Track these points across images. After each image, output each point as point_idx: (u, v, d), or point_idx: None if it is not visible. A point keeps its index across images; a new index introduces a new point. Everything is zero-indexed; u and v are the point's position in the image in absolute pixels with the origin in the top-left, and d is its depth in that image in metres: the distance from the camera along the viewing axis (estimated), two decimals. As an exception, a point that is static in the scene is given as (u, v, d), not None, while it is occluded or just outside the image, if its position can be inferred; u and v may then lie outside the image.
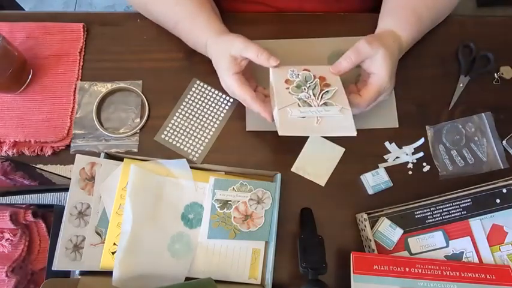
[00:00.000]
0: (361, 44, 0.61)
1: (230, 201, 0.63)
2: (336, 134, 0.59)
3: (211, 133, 0.72)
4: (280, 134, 0.57)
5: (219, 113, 0.73)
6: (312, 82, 0.61)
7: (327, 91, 0.60)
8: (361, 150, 0.71)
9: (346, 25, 0.76)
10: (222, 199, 0.63)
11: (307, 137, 0.70)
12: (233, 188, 0.64)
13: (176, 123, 0.72)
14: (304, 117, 0.58)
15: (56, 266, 0.59)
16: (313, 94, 0.60)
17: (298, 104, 0.59)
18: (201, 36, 0.67)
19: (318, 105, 0.59)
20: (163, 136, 0.71)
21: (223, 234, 0.62)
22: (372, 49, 0.60)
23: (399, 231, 0.63)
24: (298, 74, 0.62)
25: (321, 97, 0.60)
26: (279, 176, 0.65)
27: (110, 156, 0.65)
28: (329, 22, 0.77)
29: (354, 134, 0.57)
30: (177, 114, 0.72)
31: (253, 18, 0.77)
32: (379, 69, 0.61)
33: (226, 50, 0.62)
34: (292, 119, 0.58)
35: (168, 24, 0.71)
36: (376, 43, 0.60)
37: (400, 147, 0.71)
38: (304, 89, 0.61)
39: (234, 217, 0.63)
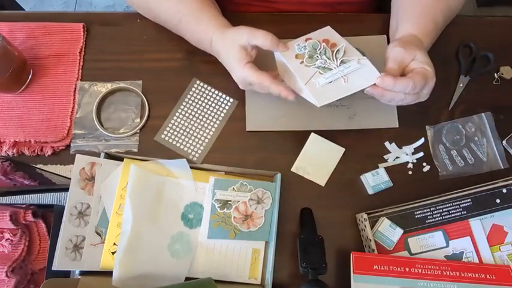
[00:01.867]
0: (397, 51, 0.59)
1: (230, 201, 0.63)
2: (367, 86, 0.59)
3: (211, 133, 0.72)
4: (319, 105, 0.58)
5: (219, 113, 0.73)
6: (320, 48, 0.63)
7: (338, 50, 0.62)
8: (361, 150, 0.71)
9: (346, 25, 0.76)
10: (222, 199, 0.63)
11: (307, 137, 0.70)
12: (233, 188, 0.64)
13: (176, 123, 0.72)
14: (331, 81, 0.60)
15: (56, 266, 0.59)
16: (328, 58, 0.62)
17: (320, 72, 0.61)
18: (206, 32, 0.66)
19: (338, 66, 0.61)
20: (163, 136, 0.71)
21: (224, 234, 0.62)
22: (410, 54, 0.59)
23: (399, 231, 0.63)
24: (305, 46, 0.63)
25: (335, 58, 0.62)
26: (279, 176, 0.65)
27: (110, 156, 0.65)
28: (329, 22, 0.77)
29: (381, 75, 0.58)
30: (177, 114, 0.72)
31: (253, 18, 0.77)
32: (424, 65, 0.58)
33: (234, 42, 0.62)
34: (322, 87, 0.60)
35: (170, 23, 0.71)
36: (409, 47, 0.59)
37: (400, 147, 0.71)
38: (317, 57, 0.62)
39: (234, 217, 0.63)
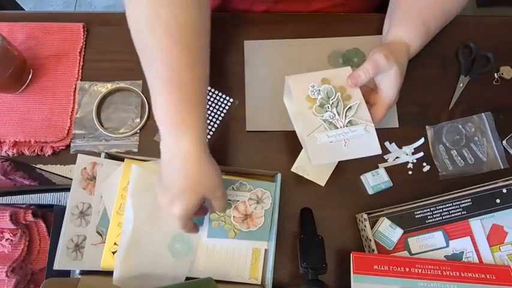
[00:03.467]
0: (379, 57, 0.59)
1: (230, 200, 0.63)
2: (363, 155, 0.59)
3: (211, 133, 0.72)
4: (313, 163, 0.58)
5: (219, 113, 0.73)
6: (334, 98, 0.60)
7: (350, 107, 0.60)
8: (361, 150, 0.71)
9: (346, 25, 0.76)
10: None
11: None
12: (232, 188, 0.63)
13: (176, 123, 0.72)
14: (332, 141, 0.59)
15: (57, 265, 0.59)
16: (337, 113, 0.60)
17: (324, 127, 0.59)
18: (185, 129, 0.51)
19: (344, 126, 0.59)
20: (163, 136, 0.71)
21: (223, 234, 0.62)
22: (388, 64, 0.59)
23: (399, 231, 0.63)
24: (319, 90, 0.61)
25: (345, 115, 0.60)
26: (279, 176, 0.65)
27: (110, 156, 0.65)
28: (329, 22, 0.77)
29: (379, 152, 0.59)
30: (177, 114, 0.72)
31: (253, 19, 0.77)
32: (389, 87, 0.60)
33: (208, 185, 0.53)
34: (321, 145, 0.58)
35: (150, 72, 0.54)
36: (392, 58, 0.59)
37: (400, 147, 0.71)
38: (328, 107, 0.60)
39: (234, 216, 0.63)
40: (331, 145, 0.59)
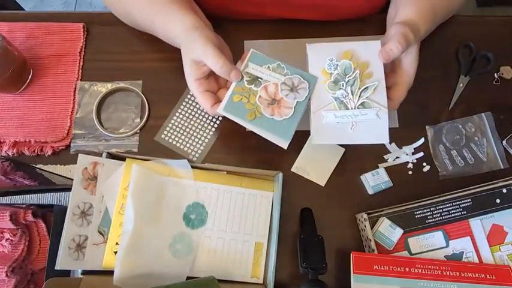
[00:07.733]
0: (407, 31, 0.55)
1: (261, 78, 0.58)
2: (369, 142, 0.56)
3: (211, 133, 0.72)
4: (313, 143, 0.55)
5: (219, 113, 0.73)
6: (351, 76, 0.56)
7: (367, 87, 0.56)
8: (361, 150, 0.70)
9: (345, 25, 0.76)
10: (252, 73, 0.58)
11: (307, 137, 0.70)
12: (268, 67, 0.58)
13: (176, 123, 0.72)
14: (338, 122, 0.55)
15: (59, 265, 0.59)
16: (351, 92, 0.56)
17: (334, 105, 0.56)
18: (174, 31, 0.62)
19: (355, 107, 0.55)
20: (163, 136, 0.71)
21: (241, 113, 0.56)
22: (414, 39, 0.55)
23: (399, 231, 0.63)
24: (337, 65, 0.57)
25: (359, 95, 0.56)
26: (280, 175, 0.64)
27: (112, 156, 0.65)
28: (329, 22, 0.77)
29: (387, 141, 0.56)
30: (177, 114, 0.72)
31: (253, 19, 0.77)
32: (411, 66, 0.58)
33: (188, 51, 0.58)
34: (326, 125, 0.55)
35: (145, 24, 0.68)
36: (414, 34, 0.56)
37: (400, 147, 0.71)
38: (342, 84, 0.56)
39: (260, 96, 0.57)
40: (336, 126, 0.55)
